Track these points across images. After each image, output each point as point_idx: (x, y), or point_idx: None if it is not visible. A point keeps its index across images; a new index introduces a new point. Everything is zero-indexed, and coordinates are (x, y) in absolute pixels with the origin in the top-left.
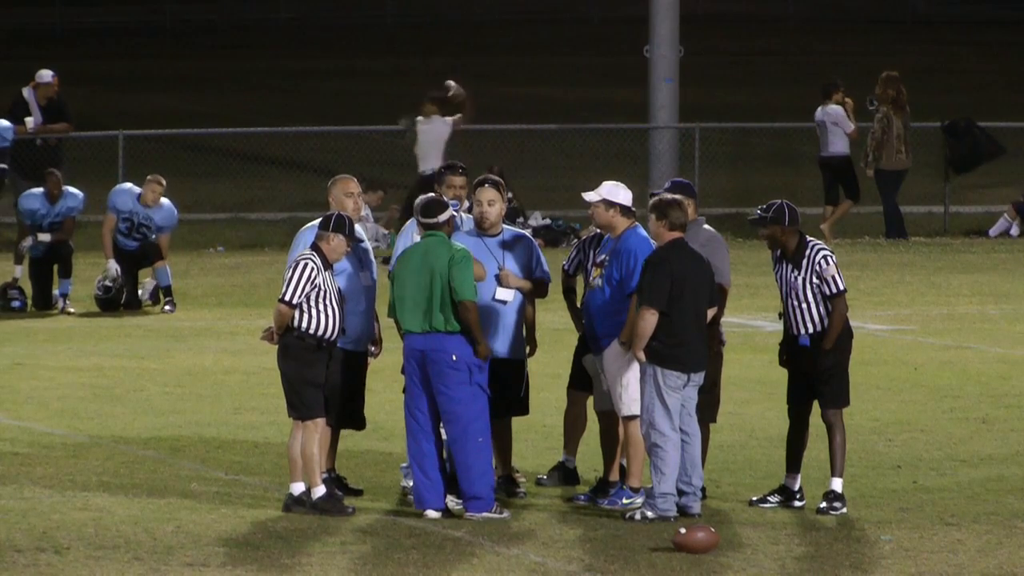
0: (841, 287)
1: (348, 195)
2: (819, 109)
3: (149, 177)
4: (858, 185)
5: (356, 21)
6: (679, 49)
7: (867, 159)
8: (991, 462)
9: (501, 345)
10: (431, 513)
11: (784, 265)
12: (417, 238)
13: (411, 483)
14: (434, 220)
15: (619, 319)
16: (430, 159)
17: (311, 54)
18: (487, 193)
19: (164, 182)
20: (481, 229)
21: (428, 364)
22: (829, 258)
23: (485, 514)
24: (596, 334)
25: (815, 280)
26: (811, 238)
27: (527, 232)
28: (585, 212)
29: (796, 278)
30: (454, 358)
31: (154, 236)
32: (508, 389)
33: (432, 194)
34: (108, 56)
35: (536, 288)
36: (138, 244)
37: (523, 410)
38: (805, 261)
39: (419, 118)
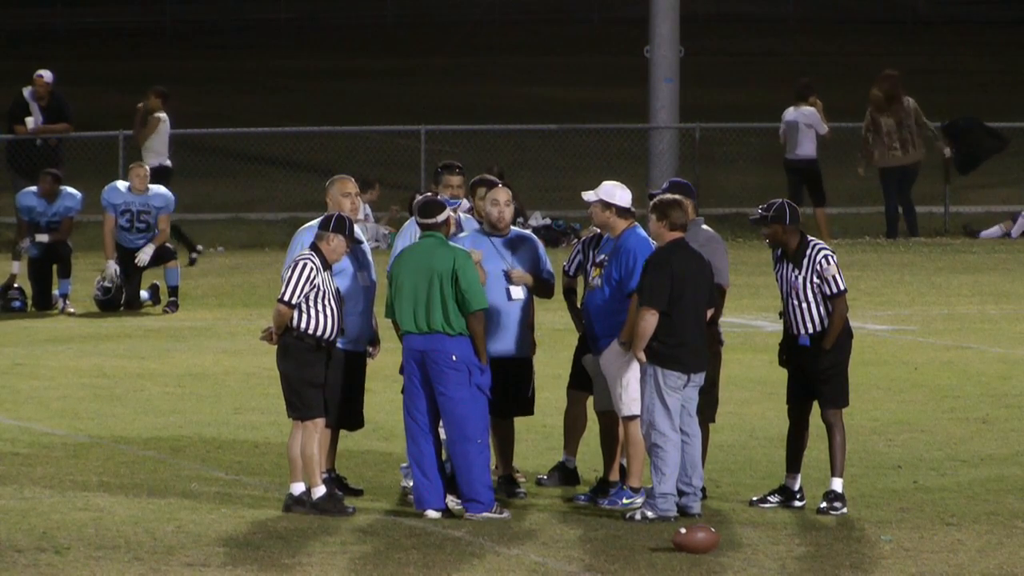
0: (842, 287)
1: (345, 195)
2: (790, 110)
3: (132, 165)
4: (823, 189)
5: (356, 21)
6: (679, 49)
7: (859, 158)
8: (991, 462)
9: (509, 343)
10: (431, 513)
11: (785, 264)
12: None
13: (411, 483)
14: (432, 220)
15: (619, 319)
16: (166, 151)
17: (311, 54)
18: (503, 194)
19: (147, 166)
20: (497, 230)
21: (428, 364)
22: (830, 258)
23: (485, 514)
24: (596, 334)
25: (816, 280)
26: (812, 238)
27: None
28: (585, 212)
29: (797, 277)
30: (454, 358)
31: (154, 220)
32: (515, 388)
33: (429, 194)
34: (108, 56)
35: (541, 287)
36: (145, 240)
37: (528, 410)
38: (806, 260)
39: (159, 114)
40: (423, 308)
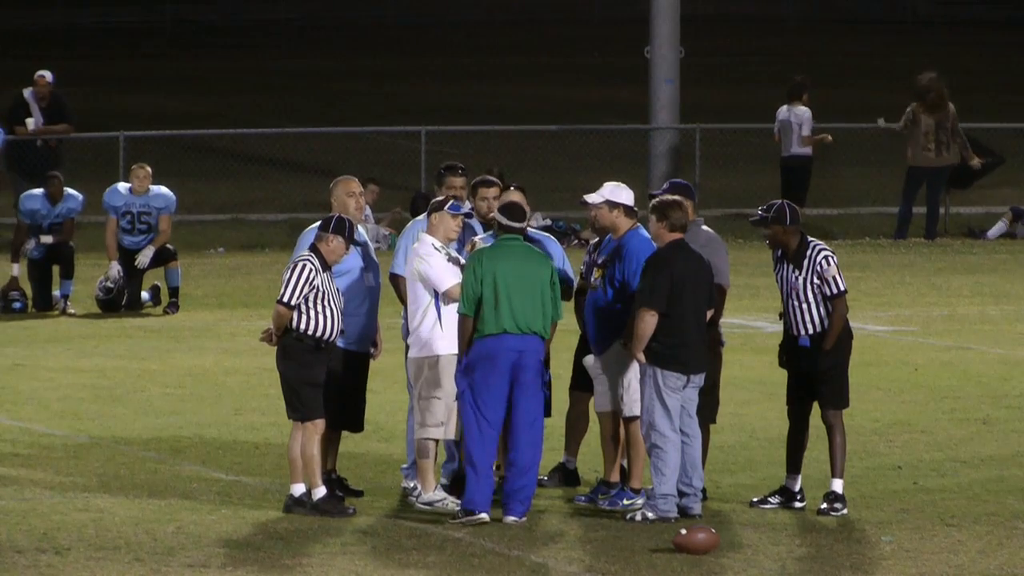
0: (842, 287)
1: (350, 195)
2: (784, 108)
3: (133, 166)
4: (806, 190)
5: (356, 21)
6: (679, 49)
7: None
8: (992, 463)
9: None
10: (484, 516)
11: (785, 265)
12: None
13: (411, 484)
14: (520, 225)
15: (620, 320)
16: None
17: (311, 54)
18: (513, 196)
19: (149, 168)
20: None
21: (520, 367)
22: (830, 258)
23: (520, 519)
24: (597, 335)
25: (816, 280)
26: (812, 238)
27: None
28: (586, 212)
29: (797, 278)
30: (541, 359)
31: (155, 221)
32: None
33: (513, 199)
34: (108, 56)
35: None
36: (146, 241)
37: (546, 412)
38: (806, 261)
39: None
40: (526, 311)
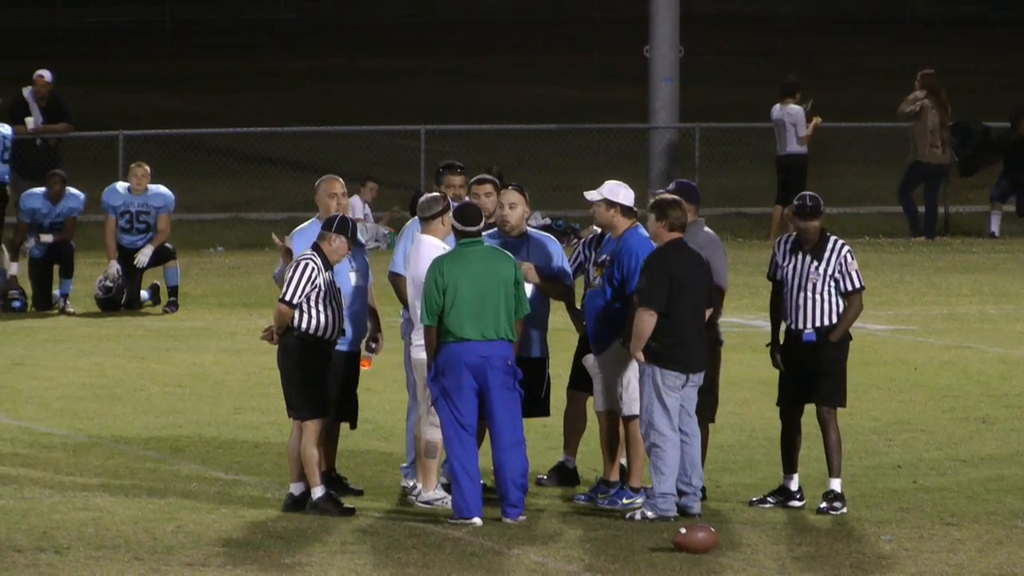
0: (863, 283)
1: (331, 196)
2: (777, 107)
3: (132, 165)
4: (804, 189)
5: (356, 21)
6: (679, 49)
7: (913, 150)
8: (991, 462)
9: (523, 344)
10: (478, 521)
11: (802, 256)
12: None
13: (411, 483)
14: (475, 228)
15: (619, 319)
16: None
17: (311, 54)
18: (509, 196)
19: (147, 166)
20: (503, 232)
21: (488, 371)
22: (852, 253)
23: (520, 519)
24: (596, 334)
25: (836, 275)
26: (830, 233)
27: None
28: (585, 211)
29: (817, 269)
30: (509, 363)
31: (154, 220)
32: (529, 389)
33: (469, 201)
34: (108, 56)
35: (553, 288)
36: (145, 240)
37: (544, 411)
38: (828, 254)
39: None
40: (490, 316)
